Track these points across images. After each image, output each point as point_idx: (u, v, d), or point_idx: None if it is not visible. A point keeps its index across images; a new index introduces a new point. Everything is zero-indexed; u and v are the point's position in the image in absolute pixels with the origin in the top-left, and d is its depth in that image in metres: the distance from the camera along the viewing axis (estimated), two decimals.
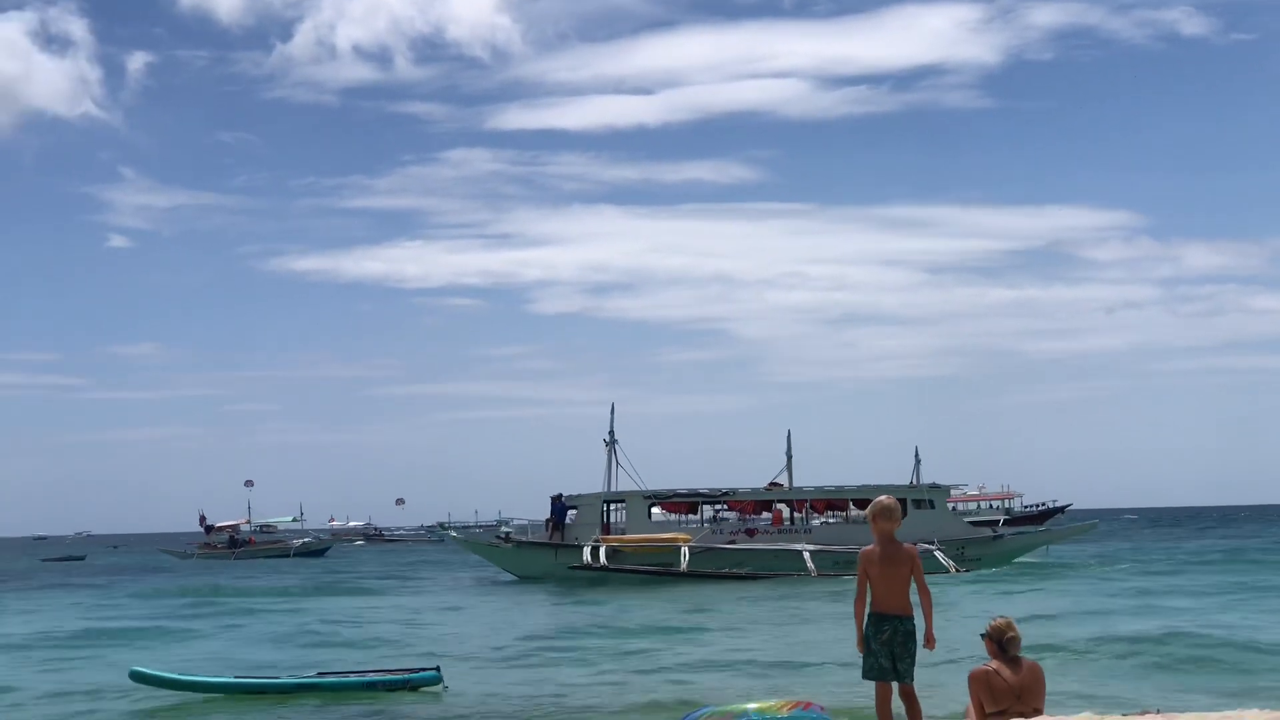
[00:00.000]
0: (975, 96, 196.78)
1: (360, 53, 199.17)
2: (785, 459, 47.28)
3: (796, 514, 46.19)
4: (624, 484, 46.48)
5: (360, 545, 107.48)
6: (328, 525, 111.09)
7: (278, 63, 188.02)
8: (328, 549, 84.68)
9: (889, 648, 9.51)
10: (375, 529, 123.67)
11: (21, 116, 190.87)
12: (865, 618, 9.66)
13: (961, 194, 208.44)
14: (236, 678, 16.93)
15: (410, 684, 16.35)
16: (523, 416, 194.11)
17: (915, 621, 9.60)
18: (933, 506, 44.80)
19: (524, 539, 46.48)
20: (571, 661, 20.12)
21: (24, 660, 22.05)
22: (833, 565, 41.51)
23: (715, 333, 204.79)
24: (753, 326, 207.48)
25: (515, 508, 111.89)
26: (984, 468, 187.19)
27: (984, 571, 41.00)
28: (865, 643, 9.62)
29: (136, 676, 16.59)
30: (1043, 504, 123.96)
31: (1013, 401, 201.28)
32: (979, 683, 8.92)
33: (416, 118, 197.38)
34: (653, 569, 40.74)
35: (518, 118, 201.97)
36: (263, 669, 18.66)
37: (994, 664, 8.97)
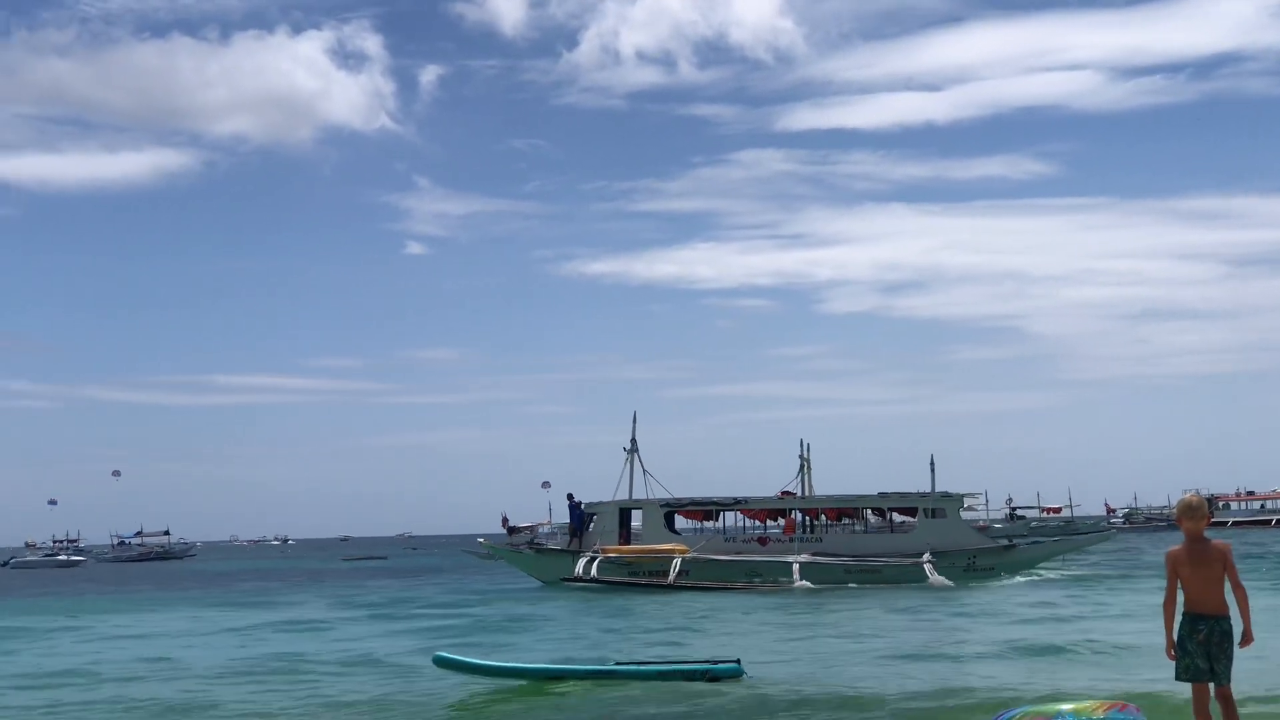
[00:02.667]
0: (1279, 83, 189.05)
1: (644, 57, 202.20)
2: (800, 466, 47.60)
3: (814, 521, 46.34)
4: (656, 492, 47.54)
5: None
6: None
7: (565, 69, 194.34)
8: None
9: (1205, 648, 9.37)
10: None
11: (321, 131, 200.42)
12: (1177, 619, 9.54)
13: (1264, 184, 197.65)
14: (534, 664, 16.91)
15: (711, 675, 16.22)
16: (816, 416, 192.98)
17: (1231, 621, 9.50)
18: (945, 516, 44.35)
19: (545, 545, 47.99)
20: (852, 655, 20.62)
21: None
22: (844, 574, 41.71)
23: (1009, 330, 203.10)
24: (1047, 323, 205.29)
25: None
26: None
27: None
28: (1179, 644, 9.48)
29: (440, 662, 16.85)
30: None
31: None
32: None
33: (705, 120, 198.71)
34: (638, 580, 41.72)
35: (807, 117, 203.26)
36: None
37: None
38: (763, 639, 24.19)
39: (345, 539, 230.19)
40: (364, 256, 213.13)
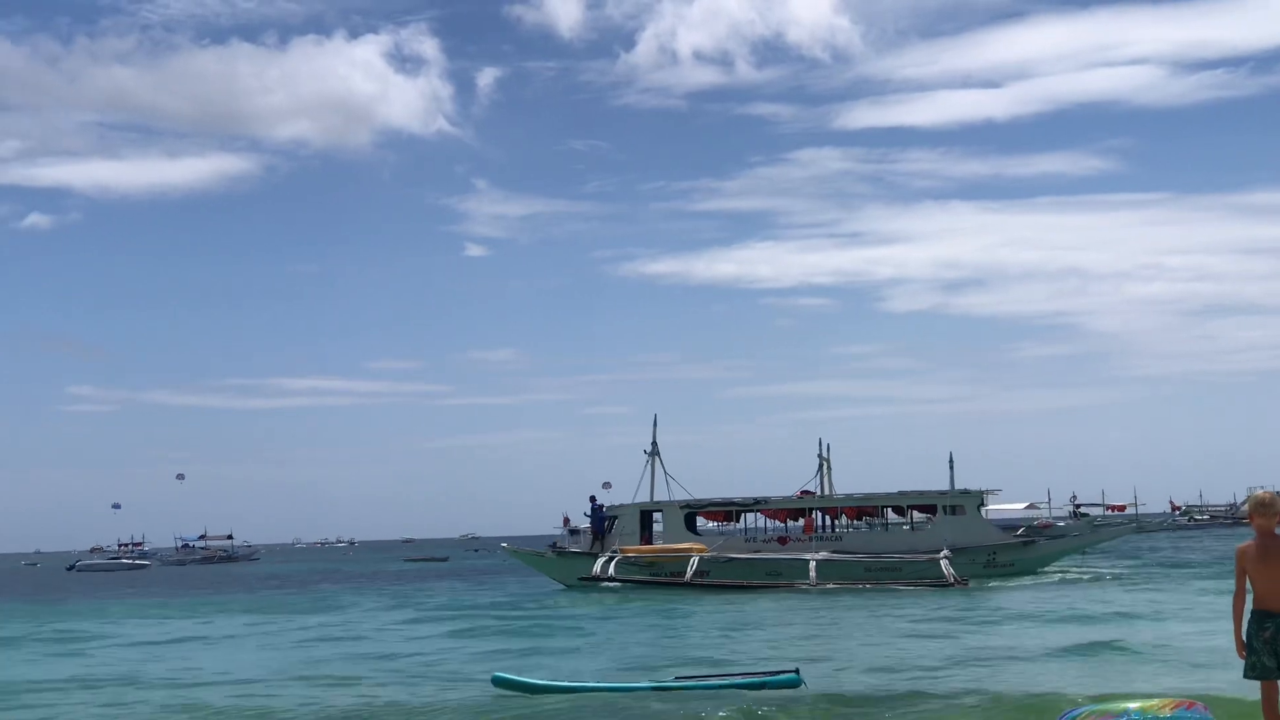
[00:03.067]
0: None
1: (701, 57, 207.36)
2: (819, 465, 47.47)
3: (834, 520, 46.28)
4: (677, 493, 47.69)
5: None
6: None
7: (622, 70, 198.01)
8: None
9: (1273, 646, 9.20)
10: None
11: (380, 134, 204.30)
12: (1246, 616, 9.40)
13: None
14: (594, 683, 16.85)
15: (769, 686, 16.18)
16: (877, 415, 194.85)
17: None
18: (964, 513, 44.12)
19: (567, 548, 48.23)
20: (902, 657, 20.71)
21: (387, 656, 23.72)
22: (864, 573, 41.58)
23: (1070, 327, 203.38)
24: (1109, 320, 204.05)
25: None
26: None
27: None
28: (1247, 642, 9.33)
29: (499, 682, 16.83)
30: None
31: None
32: None
33: (763, 119, 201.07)
34: (656, 579, 41.84)
35: (865, 116, 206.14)
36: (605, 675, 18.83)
37: None
38: (807, 644, 24.19)
39: (408, 540, 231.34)
40: (423, 259, 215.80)
